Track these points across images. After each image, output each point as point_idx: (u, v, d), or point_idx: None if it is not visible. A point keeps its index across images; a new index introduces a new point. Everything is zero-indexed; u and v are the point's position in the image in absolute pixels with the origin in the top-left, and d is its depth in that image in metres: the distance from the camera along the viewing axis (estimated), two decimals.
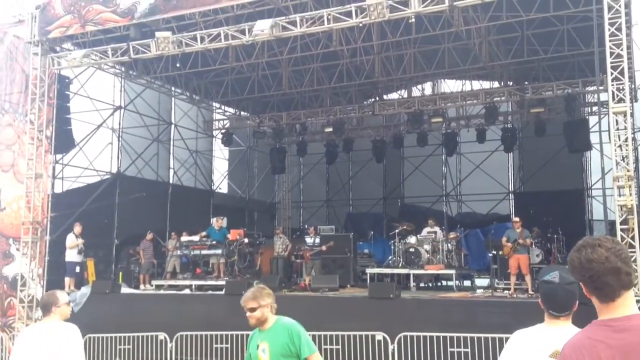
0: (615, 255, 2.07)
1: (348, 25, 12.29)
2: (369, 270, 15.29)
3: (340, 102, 21.10)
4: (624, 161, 10.31)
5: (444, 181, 23.89)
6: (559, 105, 18.89)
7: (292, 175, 25.56)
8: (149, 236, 16.32)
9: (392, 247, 15.69)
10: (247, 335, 12.48)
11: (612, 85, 10.43)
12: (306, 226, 16.60)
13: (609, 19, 10.39)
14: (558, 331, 3.06)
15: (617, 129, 10.45)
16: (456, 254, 15.50)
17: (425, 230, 15.74)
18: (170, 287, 14.85)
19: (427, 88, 22.33)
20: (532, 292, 12.36)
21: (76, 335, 4.74)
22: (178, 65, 16.91)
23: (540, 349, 3.02)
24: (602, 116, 17.33)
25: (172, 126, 21.32)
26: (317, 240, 15.48)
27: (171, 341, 11.33)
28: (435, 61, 17.69)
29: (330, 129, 20.69)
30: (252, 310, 4.33)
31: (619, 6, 10.32)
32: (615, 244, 2.11)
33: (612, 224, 10.83)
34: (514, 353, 3.10)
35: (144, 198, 17.77)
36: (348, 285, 15.06)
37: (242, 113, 22.82)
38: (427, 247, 14.79)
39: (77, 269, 14.53)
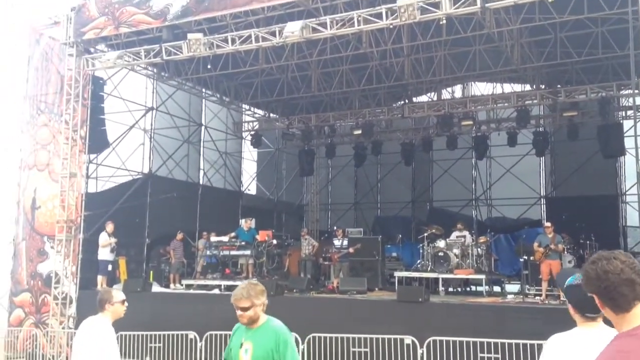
0: (630, 268, 2.20)
1: (378, 27, 12.26)
2: (397, 274, 15.23)
3: (369, 104, 21.06)
4: None
5: (473, 185, 23.62)
6: (593, 109, 18.54)
7: (320, 177, 25.59)
8: (179, 236, 16.51)
9: (421, 251, 15.58)
10: None
11: None
12: (335, 228, 16.59)
13: None
14: (595, 334, 3.01)
15: None
16: (486, 258, 15.31)
17: (454, 234, 15.59)
18: (200, 286, 14.99)
19: (457, 91, 22.12)
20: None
21: (107, 335, 4.79)
22: (209, 66, 17.09)
23: (581, 354, 2.96)
24: (637, 120, 16.94)
25: (203, 127, 21.55)
26: (345, 242, 15.47)
27: (201, 340, 11.44)
28: (465, 63, 17.53)
29: (359, 132, 20.65)
30: (245, 309, 4.04)
31: None
32: (629, 258, 2.25)
33: None
34: (553, 359, 3.04)
35: (174, 198, 17.99)
36: (376, 289, 14.99)
37: (271, 115, 22.94)
38: (456, 251, 14.65)
39: (110, 268, 14.75)
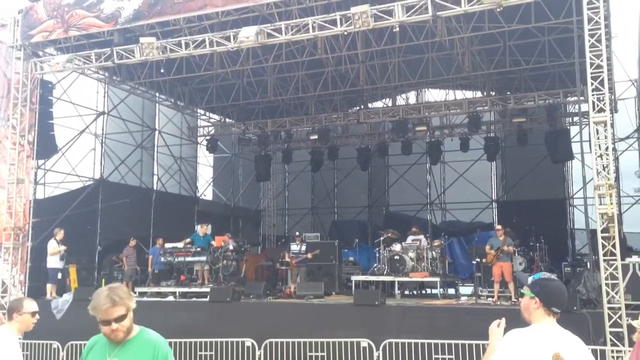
0: None
1: (333, 34, 12.37)
2: (354, 278, 15.33)
3: (325, 110, 21.17)
4: (604, 170, 10.47)
5: (428, 189, 24.04)
6: (541, 115, 19.14)
7: (277, 182, 25.55)
8: (132, 243, 16.19)
9: (377, 255, 15.74)
10: (232, 343, 12.41)
11: (593, 95, 10.59)
12: (297, 233, 16.56)
13: (589, 30, 10.57)
14: (554, 332, 3.11)
15: (598, 139, 10.60)
16: (440, 261, 15.59)
17: (409, 238, 15.81)
18: (154, 294, 14.72)
19: (412, 97, 22.50)
20: (516, 300, 12.46)
21: (8, 346, 4.46)
22: (162, 71, 16.84)
23: (540, 351, 3.04)
24: (582, 126, 17.58)
25: (156, 132, 21.23)
26: (303, 247, 15.47)
27: None
28: (419, 70, 17.84)
29: (316, 137, 20.75)
30: (120, 319, 3.14)
31: (599, 18, 10.50)
32: None
33: (593, 232, 10.97)
34: (512, 354, 3.10)
35: (127, 204, 17.66)
36: (333, 293, 15.07)
37: (227, 120, 22.78)
38: (411, 254, 14.86)
39: (59, 276, 14.36)
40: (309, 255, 15.19)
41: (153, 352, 3.16)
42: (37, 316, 4.64)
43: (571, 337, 3.15)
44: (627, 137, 18.84)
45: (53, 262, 14.23)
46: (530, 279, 3.27)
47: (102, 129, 18.75)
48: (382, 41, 15.23)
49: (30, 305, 4.66)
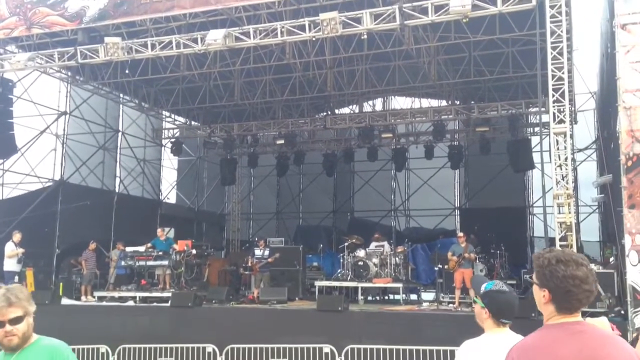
0: (593, 278, 2.23)
1: (301, 39, 12.42)
2: (317, 283, 15.33)
3: (292, 115, 21.17)
4: (563, 180, 10.74)
5: (392, 196, 24.24)
6: (504, 125, 19.54)
7: (242, 186, 25.39)
8: (92, 246, 15.84)
9: (341, 260, 15.78)
10: (193, 348, 12.23)
11: (554, 107, 10.88)
12: (256, 239, 16.48)
13: (552, 43, 10.87)
14: (507, 339, 3.15)
15: (558, 149, 10.87)
16: (403, 267, 15.71)
17: (373, 244, 15.90)
18: (114, 298, 14.45)
19: (378, 104, 22.67)
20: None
21: None
22: (127, 71, 16.55)
23: (495, 358, 3.09)
24: (543, 137, 18.01)
25: (120, 134, 20.88)
26: (267, 252, 15.40)
27: (113, 354, 11.01)
28: (386, 78, 18.02)
29: (282, 142, 20.72)
30: (16, 321, 2.82)
31: (561, 31, 10.81)
32: (590, 265, 2.27)
33: (552, 240, 11.23)
34: None
35: (87, 207, 17.29)
36: (297, 298, 15.02)
37: (193, 122, 22.57)
38: (375, 260, 14.95)
39: (16, 279, 13.93)
40: (270, 259, 15.13)
41: (51, 357, 2.88)
42: None
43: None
44: (586, 148, 19.40)
45: (10, 264, 13.82)
46: (482, 287, 3.30)
47: (64, 129, 18.34)
48: (350, 48, 15.34)
49: None
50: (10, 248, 13.85)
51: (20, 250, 13.90)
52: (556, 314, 2.26)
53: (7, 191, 16.82)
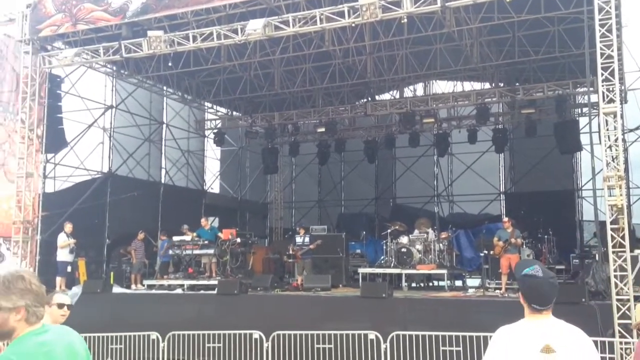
0: None
1: (340, 25, 12.32)
2: (361, 270, 15.33)
3: (332, 102, 21.13)
4: (614, 161, 10.39)
5: (435, 182, 23.97)
6: (550, 107, 19.02)
7: (284, 175, 25.56)
8: (141, 236, 16.26)
9: (384, 247, 15.73)
10: (240, 335, 12.45)
11: (603, 86, 10.51)
12: (299, 226, 16.61)
13: (600, 20, 10.48)
14: (544, 325, 3.08)
15: (607, 130, 10.52)
16: (448, 254, 15.56)
17: (416, 230, 15.80)
18: (162, 287, 14.81)
19: (419, 89, 22.40)
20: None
21: None
22: (170, 64, 16.86)
23: (530, 344, 3.03)
24: (592, 117, 17.47)
25: (164, 126, 21.27)
26: (307, 239, 15.50)
27: (163, 341, 11.30)
28: (427, 62, 17.75)
29: (323, 130, 20.72)
30: None
31: (610, 8, 10.40)
32: None
33: (602, 224, 10.91)
34: (501, 350, 3.09)
35: (135, 198, 17.72)
36: (340, 285, 15.08)
37: (234, 113, 22.79)
38: (419, 247, 14.84)
39: (69, 269, 14.44)
40: (312, 246, 15.20)
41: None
42: (66, 309, 4.68)
43: (565, 327, 3.11)
44: (637, 128, 18.70)
45: (62, 255, 14.31)
46: (521, 272, 3.23)
47: (110, 123, 18.80)
48: (389, 33, 15.15)
49: (59, 297, 4.72)
50: (62, 239, 14.33)
51: (72, 241, 14.37)
52: None
53: (58, 184, 17.37)
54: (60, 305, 4.64)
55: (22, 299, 2.41)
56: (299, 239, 15.58)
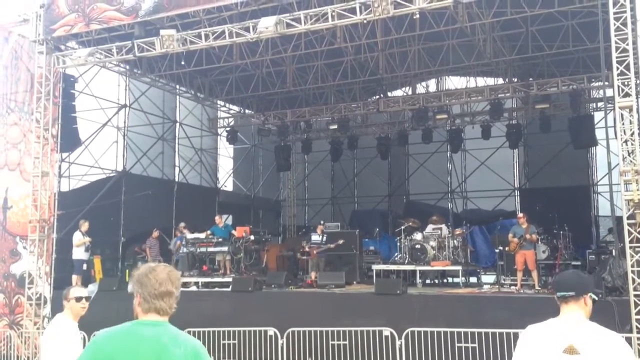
0: None
1: (352, 22, 12.28)
2: (375, 267, 15.30)
3: (344, 99, 21.10)
4: (630, 156, 10.28)
5: (449, 178, 23.86)
6: (564, 101, 18.84)
7: (297, 172, 25.58)
8: (155, 234, 16.36)
9: (398, 244, 15.70)
10: (255, 332, 12.53)
11: (618, 80, 10.39)
12: (322, 222, 16.59)
13: (614, 13, 10.36)
14: (570, 324, 3.05)
15: (623, 124, 10.40)
16: (462, 250, 15.49)
17: (430, 227, 15.74)
18: None
19: (432, 85, 22.27)
20: (539, 288, 12.36)
21: (62, 332, 4.63)
22: (182, 63, 16.88)
23: (554, 344, 3.00)
24: (607, 112, 17.28)
25: (177, 124, 21.37)
26: (324, 238, 15.49)
27: None
28: (439, 58, 17.66)
29: (335, 127, 20.70)
30: None
31: (624, 1, 10.27)
32: None
33: (618, 219, 10.80)
34: (528, 349, 3.09)
35: (149, 196, 17.83)
36: (354, 282, 15.07)
37: (247, 111, 22.84)
38: (433, 243, 14.80)
39: (84, 267, 14.57)
40: (332, 245, 15.18)
41: None
42: (84, 302, 4.79)
43: (596, 329, 3.06)
44: None
45: (78, 253, 14.44)
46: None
47: (124, 122, 18.93)
48: (402, 29, 15.09)
49: (76, 291, 4.85)
50: (78, 237, 14.46)
51: (87, 239, 14.49)
52: None
53: (74, 183, 17.52)
54: (78, 299, 4.76)
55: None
56: (316, 237, 15.54)
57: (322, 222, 16.89)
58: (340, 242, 15.34)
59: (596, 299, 3.13)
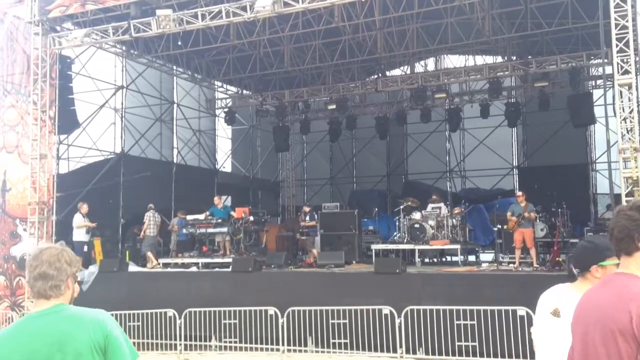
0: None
1: (350, 1, 12.18)
2: (374, 247, 15.37)
3: (342, 79, 21.00)
4: (629, 133, 10.28)
5: (447, 157, 23.87)
6: (563, 79, 18.78)
7: (295, 153, 25.57)
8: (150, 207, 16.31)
9: (397, 223, 15.75)
10: (255, 311, 12.59)
11: (617, 57, 10.34)
12: (307, 203, 16.74)
13: None
14: (569, 289, 3.18)
15: (622, 102, 10.38)
16: (461, 229, 15.55)
17: (429, 206, 15.78)
18: (177, 265, 14.97)
19: (430, 64, 22.18)
20: (537, 265, 12.44)
21: None
22: (179, 43, 16.82)
23: (547, 306, 3.22)
24: (607, 89, 17.22)
25: (175, 105, 21.28)
26: (308, 217, 15.75)
27: (180, 317, 11.46)
28: (438, 36, 17.54)
29: (333, 107, 20.62)
30: None
31: None
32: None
33: (617, 196, 10.83)
34: (537, 311, 3.38)
35: (148, 177, 17.82)
36: (354, 262, 15.13)
37: (244, 91, 22.74)
38: (431, 222, 14.85)
39: (85, 248, 14.63)
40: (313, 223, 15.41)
41: None
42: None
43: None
44: None
45: (79, 235, 14.48)
46: None
47: (122, 103, 18.86)
48: (399, 7, 14.97)
49: None
50: (78, 219, 14.49)
51: (92, 224, 14.51)
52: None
53: (72, 165, 17.51)
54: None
55: None
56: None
57: (307, 203, 17.11)
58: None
59: (604, 264, 3.12)
